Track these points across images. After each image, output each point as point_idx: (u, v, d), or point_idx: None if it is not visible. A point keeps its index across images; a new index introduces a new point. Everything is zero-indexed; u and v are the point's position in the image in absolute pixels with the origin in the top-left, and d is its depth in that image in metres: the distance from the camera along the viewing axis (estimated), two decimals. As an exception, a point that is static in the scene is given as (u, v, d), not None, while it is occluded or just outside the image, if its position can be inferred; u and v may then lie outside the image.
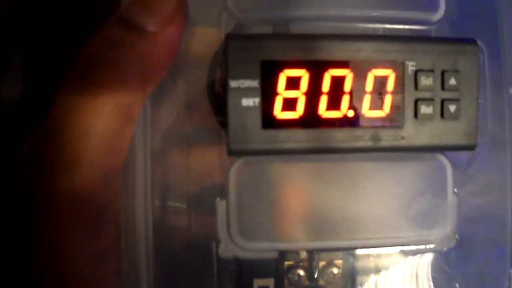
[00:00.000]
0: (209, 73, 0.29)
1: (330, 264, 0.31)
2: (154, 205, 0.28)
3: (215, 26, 0.29)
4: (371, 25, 0.30)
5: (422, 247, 0.30)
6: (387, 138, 0.27)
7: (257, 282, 0.30)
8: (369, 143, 0.27)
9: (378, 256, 0.31)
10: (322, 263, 0.31)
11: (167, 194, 0.29)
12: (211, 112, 0.29)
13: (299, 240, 0.29)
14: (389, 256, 0.31)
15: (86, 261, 0.26)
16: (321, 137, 0.27)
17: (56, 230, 0.25)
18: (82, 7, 0.33)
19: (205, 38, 0.29)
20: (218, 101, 0.28)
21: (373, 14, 0.29)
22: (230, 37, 0.26)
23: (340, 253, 0.31)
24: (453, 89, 0.28)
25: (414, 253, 0.31)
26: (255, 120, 0.26)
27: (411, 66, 0.27)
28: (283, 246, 0.29)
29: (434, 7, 0.29)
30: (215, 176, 0.29)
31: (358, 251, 0.31)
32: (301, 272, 0.31)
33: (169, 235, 0.29)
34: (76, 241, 0.26)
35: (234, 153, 0.27)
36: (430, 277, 0.31)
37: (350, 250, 0.30)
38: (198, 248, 0.29)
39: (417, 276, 0.31)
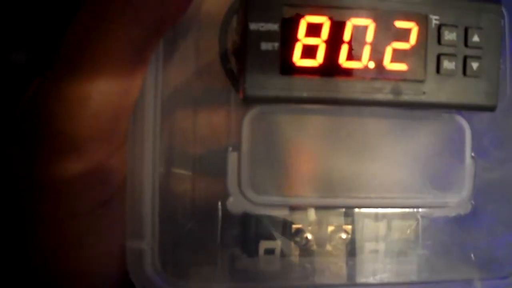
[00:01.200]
0: (221, 30, 0.28)
1: (339, 229, 0.30)
2: (161, 161, 0.27)
3: None
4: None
5: (437, 210, 0.29)
6: (408, 92, 0.26)
7: (263, 244, 0.29)
8: (389, 96, 0.26)
9: (389, 221, 0.30)
10: (330, 228, 0.30)
11: (175, 153, 0.28)
12: (220, 73, 0.28)
13: (310, 197, 0.28)
14: (401, 220, 0.30)
15: (89, 208, 0.25)
16: (340, 87, 0.26)
17: (59, 171, 0.24)
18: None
19: None
20: (233, 49, 0.27)
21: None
22: (251, -22, 0.25)
23: (350, 218, 0.30)
24: (476, 46, 0.27)
25: (428, 217, 0.29)
26: (274, 65, 0.25)
27: (435, 20, 0.27)
28: (294, 201, 0.28)
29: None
30: (222, 139, 0.28)
31: (368, 216, 0.30)
32: (309, 236, 0.30)
33: (175, 193, 0.28)
34: (79, 186, 0.24)
35: (250, 99, 0.26)
36: (443, 243, 0.30)
37: (362, 208, 0.29)
38: (203, 208, 0.28)
39: (429, 242, 0.30)
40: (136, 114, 0.26)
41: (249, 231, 0.29)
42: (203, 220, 0.28)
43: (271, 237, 0.29)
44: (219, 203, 0.28)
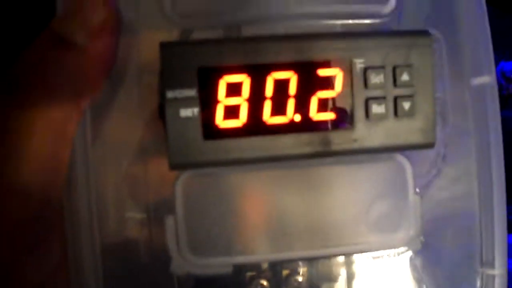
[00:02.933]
0: (158, 84, 0.27)
1: (294, 272, 0.30)
2: (102, 223, 0.27)
3: (162, 34, 0.27)
4: (321, 22, 0.28)
5: (387, 251, 0.28)
6: (338, 141, 0.26)
7: (218, 297, 0.29)
8: (319, 148, 0.26)
9: (344, 262, 0.30)
10: (285, 272, 0.30)
11: (117, 212, 0.27)
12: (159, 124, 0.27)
13: (253, 253, 0.27)
14: (355, 261, 0.29)
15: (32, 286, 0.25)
16: (267, 145, 0.25)
17: None
18: (19, 18, 0.31)
19: (153, 48, 0.27)
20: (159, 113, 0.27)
21: (321, 10, 0.27)
22: (164, 45, 0.25)
23: (305, 261, 0.30)
24: (407, 85, 0.26)
25: (380, 257, 0.29)
26: (196, 131, 0.25)
27: (359, 64, 0.26)
28: (236, 260, 0.27)
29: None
30: (166, 192, 0.27)
31: (323, 258, 0.29)
32: (264, 283, 0.29)
33: (121, 254, 0.28)
34: (19, 268, 0.24)
35: (175, 167, 0.25)
36: (399, 282, 0.29)
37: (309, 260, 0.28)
38: (153, 266, 0.28)
39: (384, 281, 0.29)
40: (69, 183, 0.26)
41: (202, 285, 0.29)
42: (156, 283, 0.28)
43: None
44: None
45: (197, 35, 0.27)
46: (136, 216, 0.28)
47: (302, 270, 0.30)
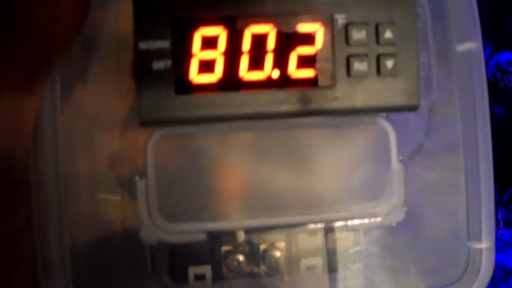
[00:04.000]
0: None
1: (272, 247, 0.28)
2: (69, 192, 0.25)
3: None
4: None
5: (369, 221, 0.27)
6: (318, 100, 0.25)
7: (192, 269, 0.27)
8: (298, 107, 0.24)
9: (323, 235, 0.28)
10: (263, 246, 0.28)
11: (85, 179, 0.26)
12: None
13: (228, 219, 0.26)
14: (335, 233, 0.28)
15: None
16: (243, 102, 0.24)
17: None
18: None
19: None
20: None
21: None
22: (136, -6, 0.24)
23: (282, 234, 0.28)
24: (390, 43, 0.25)
25: (362, 229, 0.28)
26: (168, 85, 0.24)
27: (341, 19, 0.25)
28: (211, 226, 0.26)
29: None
30: (137, 155, 0.26)
31: (301, 231, 0.28)
32: (241, 258, 0.28)
33: (89, 225, 0.26)
34: None
35: (146, 123, 0.24)
36: (380, 255, 0.28)
37: (287, 228, 0.27)
38: (122, 236, 0.26)
39: (366, 255, 0.28)
40: (35, 145, 0.24)
41: (175, 258, 0.27)
42: (122, 251, 0.27)
43: (200, 262, 0.27)
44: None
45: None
46: (101, 187, 0.26)
47: (280, 244, 0.28)
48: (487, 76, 0.28)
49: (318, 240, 0.28)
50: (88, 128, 0.26)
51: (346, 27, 0.25)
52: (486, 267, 0.28)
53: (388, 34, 0.25)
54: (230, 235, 0.28)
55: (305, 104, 0.25)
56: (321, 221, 0.27)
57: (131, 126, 0.26)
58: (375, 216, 0.27)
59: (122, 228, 0.26)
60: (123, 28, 0.26)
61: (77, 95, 0.26)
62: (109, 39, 0.26)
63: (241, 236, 0.28)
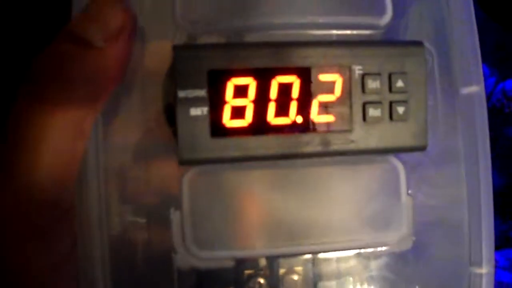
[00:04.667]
0: (164, 87, 0.29)
1: (290, 271, 0.31)
2: (110, 219, 0.28)
3: (168, 39, 0.29)
4: (322, 32, 0.30)
5: (380, 249, 0.30)
6: (337, 142, 0.28)
7: (218, 294, 0.30)
8: (319, 148, 0.27)
9: (338, 260, 0.31)
10: (282, 271, 0.31)
11: (124, 208, 0.29)
12: (165, 125, 0.29)
13: (254, 248, 0.29)
14: (348, 260, 0.31)
15: (41, 271, 0.26)
16: (270, 144, 0.27)
17: (7, 240, 0.25)
18: (33, 21, 0.33)
19: (160, 52, 0.29)
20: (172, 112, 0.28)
21: (322, 20, 0.29)
22: (176, 48, 0.27)
23: (300, 260, 0.31)
24: (401, 91, 0.28)
25: (373, 256, 0.31)
26: (204, 129, 0.27)
27: (358, 70, 0.28)
28: (239, 253, 0.29)
29: (382, 12, 0.30)
30: (171, 189, 0.29)
31: (318, 257, 0.31)
32: (262, 281, 0.31)
33: (127, 248, 0.29)
34: (30, 251, 0.26)
35: (184, 162, 0.27)
36: (389, 280, 0.31)
37: (305, 255, 0.30)
38: (157, 260, 0.29)
39: (376, 279, 0.31)
40: (81, 178, 0.27)
41: (202, 282, 0.30)
42: (158, 276, 0.29)
43: (224, 285, 0.30)
44: (173, 257, 0.29)
45: (201, 40, 0.29)
46: (139, 216, 0.29)
47: (297, 269, 0.31)
48: (493, 102, 0.30)
49: (333, 266, 0.31)
50: (128, 161, 0.29)
51: (363, 77, 0.28)
52: (486, 290, 0.30)
53: (399, 83, 0.28)
54: (252, 260, 0.31)
55: (326, 146, 0.28)
56: (336, 250, 0.30)
57: (168, 161, 0.29)
58: (386, 244, 0.30)
59: (156, 253, 0.29)
60: (150, 62, 0.29)
61: (117, 131, 0.29)
62: (139, 72, 0.29)
63: (263, 261, 0.31)
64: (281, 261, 0.31)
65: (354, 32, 0.30)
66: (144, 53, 0.29)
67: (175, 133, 0.28)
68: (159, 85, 0.29)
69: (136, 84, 0.28)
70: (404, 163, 0.30)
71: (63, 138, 0.26)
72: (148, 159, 0.29)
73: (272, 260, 0.31)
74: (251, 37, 0.29)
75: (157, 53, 0.29)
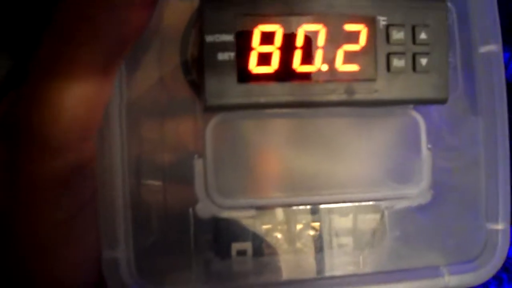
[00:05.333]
0: (182, 40, 0.29)
1: (307, 226, 0.31)
2: (131, 170, 0.28)
3: None
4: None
5: (399, 201, 0.30)
6: (361, 91, 0.28)
7: (235, 246, 0.30)
8: (343, 97, 0.28)
9: (355, 217, 0.31)
10: (299, 226, 0.31)
11: (144, 162, 0.29)
12: (184, 83, 0.29)
13: (275, 197, 0.29)
14: (365, 216, 0.31)
15: (63, 217, 0.26)
16: (295, 91, 0.27)
17: (30, 187, 0.25)
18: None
19: (178, 11, 0.29)
20: (193, 60, 0.28)
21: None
22: (204, -7, 0.27)
23: (317, 215, 0.31)
24: (424, 43, 0.28)
25: (392, 208, 0.31)
26: (231, 74, 0.27)
27: (382, 21, 0.28)
28: (260, 202, 0.29)
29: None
30: (189, 147, 0.29)
31: (334, 212, 0.31)
32: (279, 235, 0.31)
33: (146, 202, 0.29)
34: (51, 198, 0.25)
35: (211, 108, 0.27)
36: (407, 234, 0.31)
37: (325, 205, 0.30)
38: (177, 210, 0.29)
39: (393, 234, 0.31)
40: (103, 127, 0.27)
41: (221, 234, 0.30)
42: (176, 226, 0.29)
43: (242, 239, 0.30)
44: (190, 209, 0.29)
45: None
46: (159, 167, 0.29)
47: (314, 224, 0.31)
48: (507, 77, 0.31)
49: (349, 221, 0.32)
50: (152, 112, 0.29)
51: (387, 28, 0.28)
52: (502, 246, 0.31)
53: (423, 35, 0.28)
54: (270, 215, 0.31)
55: (350, 95, 0.28)
56: (355, 201, 0.30)
57: (192, 113, 0.29)
58: (405, 197, 0.30)
59: (177, 202, 0.29)
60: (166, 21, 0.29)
61: (140, 85, 0.29)
62: (167, 33, 0.29)
63: (280, 216, 0.31)
64: (298, 216, 0.31)
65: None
66: (164, 11, 0.28)
67: (193, 84, 0.28)
68: (177, 41, 0.29)
69: (154, 40, 0.28)
70: (425, 116, 0.30)
71: (90, 81, 0.25)
72: (168, 117, 0.29)
73: (290, 214, 0.31)
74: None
75: (177, 12, 0.28)
